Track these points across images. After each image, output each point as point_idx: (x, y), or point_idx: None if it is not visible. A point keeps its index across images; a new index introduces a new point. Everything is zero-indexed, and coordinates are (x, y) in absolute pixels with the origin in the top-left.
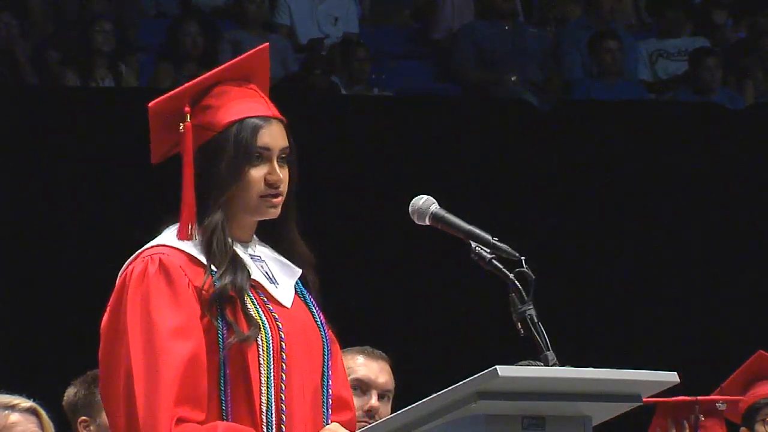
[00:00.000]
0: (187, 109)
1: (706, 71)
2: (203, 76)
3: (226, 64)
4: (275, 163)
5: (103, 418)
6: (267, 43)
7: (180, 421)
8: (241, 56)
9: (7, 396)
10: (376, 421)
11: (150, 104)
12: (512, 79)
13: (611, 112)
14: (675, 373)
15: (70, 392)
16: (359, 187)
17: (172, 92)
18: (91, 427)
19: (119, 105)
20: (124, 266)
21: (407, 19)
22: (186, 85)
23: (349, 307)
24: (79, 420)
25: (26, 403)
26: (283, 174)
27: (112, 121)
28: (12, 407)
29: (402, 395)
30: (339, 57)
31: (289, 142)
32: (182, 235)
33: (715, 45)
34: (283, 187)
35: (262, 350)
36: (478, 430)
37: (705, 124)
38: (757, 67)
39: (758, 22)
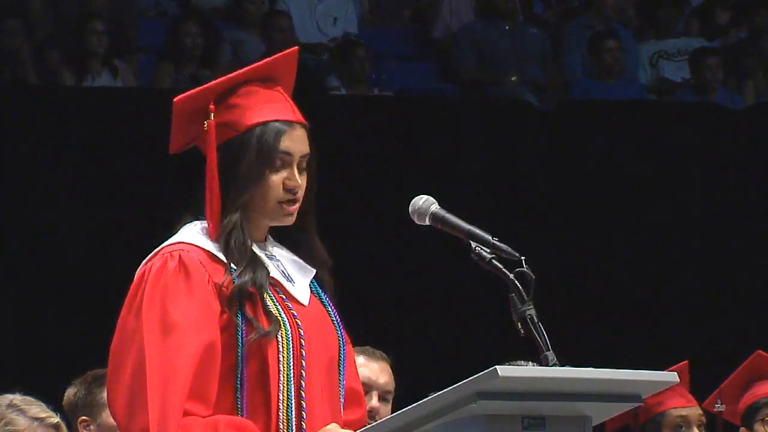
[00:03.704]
0: (211, 107)
1: (706, 71)
2: (231, 74)
3: (255, 65)
4: (295, 168)
5: (103, 418)
6: (297, 47)
7: (185, 414)
8: (271, 57)
9: (37, 405)
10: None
11: (175, 99)
12: (512, 79)
13: (611, 112)
14: (675, 373)
15: (70, 392)
16: (359, 188)
17: (198, 88)
18: (91, 427)
19: (119, 105)
20: (144, 262)
21: (407, 19)
22: (213, 82)
23: (348, 307)
24: (79, 420)
25: (53, 418)
26: (301, 180)
27: (112, 121)
28: (40, 420)
29: (402, 395)
30: (339, 57)
31: (310, 149)
32: (213, 236)
33: (715, 45)
34: (300, 194)
35: (282, 347)
36: (478, 430)
37: (705, 124)
38: (757, 67)
39: (758, 22)
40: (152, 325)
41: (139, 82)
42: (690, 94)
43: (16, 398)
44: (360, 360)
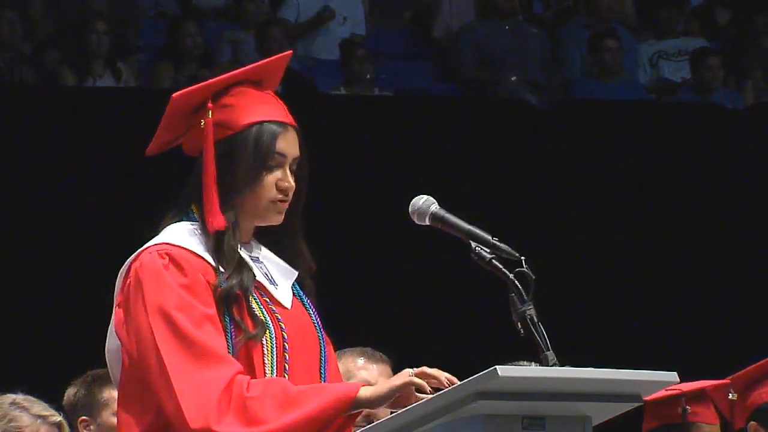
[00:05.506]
0: (210, 104)
1: (706, 71)
2: (226, 74)
3: (249, 66)
4: (287, 170)
5: (103, 417)
6: (290, 51)
7: (230, 384)
8: (266, 60)
9: (39, 404)
10: None
11: (174, 95)
12: (512, 79)
13: (611, 112)
14: (675, 373)
15: (70, 392)
16: (359, 187)
17: (195, 86)
18: (92, 427)
19: (119, 105)
20: (128, 262)
21: (407, 19)
22: (210, 81)
23: (349, 308)
24: (79, 420)
25: (56, 417)
26: (292, 182)
27: (112, 121)
28: (43, 418)
29: None
30: (339, 57)
31: (300, 151)
32: (216, 225)
33: (715, 45)
34: (291, 195)
35: (267, 350)
36: (478, 430)
37: (705, 124)
38: (757, 67)
39: (758, 22)
40: (163, 329)
41: (139, 82)
42: (690, 94)
43: (19, 397)
44: (359, 362)
